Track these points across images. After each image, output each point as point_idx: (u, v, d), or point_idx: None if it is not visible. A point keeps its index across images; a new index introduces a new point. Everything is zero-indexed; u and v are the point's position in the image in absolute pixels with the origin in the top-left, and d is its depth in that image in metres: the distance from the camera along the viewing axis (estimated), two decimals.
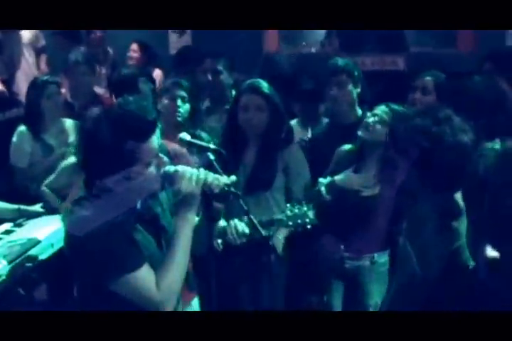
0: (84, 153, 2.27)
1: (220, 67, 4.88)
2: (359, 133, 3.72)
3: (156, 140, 2.29)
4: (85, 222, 2.16)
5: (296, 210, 3.31)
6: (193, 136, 3.41)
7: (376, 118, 3.65)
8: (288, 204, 3.38)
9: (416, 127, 2.31)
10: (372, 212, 3.63)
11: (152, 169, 2.29)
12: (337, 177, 3.70)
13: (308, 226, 3.30)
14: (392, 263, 3.71)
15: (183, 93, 3.99)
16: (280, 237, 3.47)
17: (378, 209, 3.61)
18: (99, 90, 5.69)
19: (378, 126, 3.62)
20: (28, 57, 6.63)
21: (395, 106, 3.70)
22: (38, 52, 6.74)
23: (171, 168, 2.41)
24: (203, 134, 4.02)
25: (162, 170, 2.35)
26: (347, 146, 3.89)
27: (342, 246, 3.76)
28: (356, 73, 4.21)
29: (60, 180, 4.42)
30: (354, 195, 3.67)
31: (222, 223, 3.48)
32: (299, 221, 3.30)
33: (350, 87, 4.18)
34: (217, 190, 2.44)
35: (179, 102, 3.99)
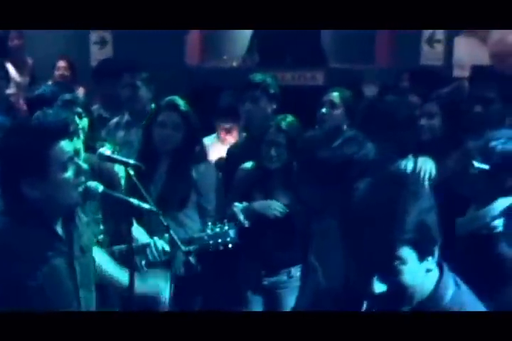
0: None
1: (138, 82, 4.84)
2: (265, 164, 3.78)
3: (68, 144, 2.24)
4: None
5: (217, 229, 3.29)
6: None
7: (275, 148, 3.72)
8: (209, 223, 3.36)
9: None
10: (288, 230, 3.73)
11: (69, 175, 2.24)
12: (255, 204, 3.74)
13: (230, 245, 3.28)
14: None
15: (79, 109, 3.95)
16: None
17: (293, 227, 3.71)
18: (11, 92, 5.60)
19: (279, 153, 3.71)
20: None
21: (286, 126, 3.77)
22: None
23: (93, 184, 2.42)
24: (108, 145, 3.99)
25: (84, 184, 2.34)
26: (248, 164, 3.92)
27: (258, 265, 3.81)
28: (272, 90, 4.25)
29: None
30: (273, 218, 3.73)
31: (141, 241, 3.38)
32: (220, 240, 3.28)
33: (265, 102, 4.22)
34: None
35: (76, 119, 3.95)
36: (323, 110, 4.32)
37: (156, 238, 3.25)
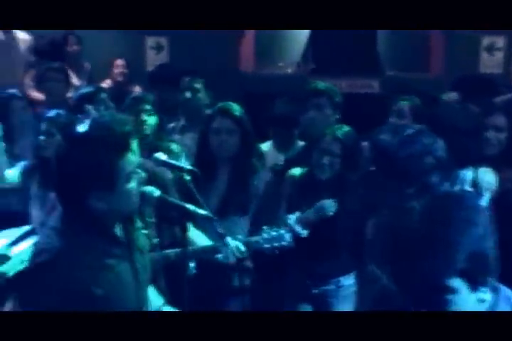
0: (61, 173, 2.21)
1: (198, 86, 4.89)
2: (316, 173, 3.72)
3: (133, 153, 2.22)
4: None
5: (273, 233, 3.28)
6: (167, 149, 3.38)
7: (328, 157, 3.67)
8: (264, 227, 3.33)
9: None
10: (338, 240, 3.68)
11: (133, 185, 2.24)
12: (309, 213, 3.68)
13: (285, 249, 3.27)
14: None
15: (148, 106, 3.97)
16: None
17: (343, 236, 3.66)
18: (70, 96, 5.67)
19: (332, 162, 3.65)
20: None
21: (341, 135, 3.71)
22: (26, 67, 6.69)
23: (149, 189, 2.41)
24: (174, 145, 4.01)
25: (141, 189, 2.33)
26: (297, 171, 3.87)
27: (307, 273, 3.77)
28: (337, 98, 4.20)
29: None
30: (330, 218, 3.69)
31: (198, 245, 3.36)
32: (276, 244, 3.27)
33: (329, 110, 4.17)
34: None
35: (144, 116, 3.97)
36: (391, 120, 4.25)
37: (229, 238, 3.21)
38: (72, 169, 2.14)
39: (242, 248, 3.22)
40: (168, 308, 2.68)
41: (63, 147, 2.20)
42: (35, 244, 2.28)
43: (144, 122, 3.94)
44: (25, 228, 4.24)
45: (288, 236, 3.29)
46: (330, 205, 3.62)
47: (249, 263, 3.59)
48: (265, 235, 3.29)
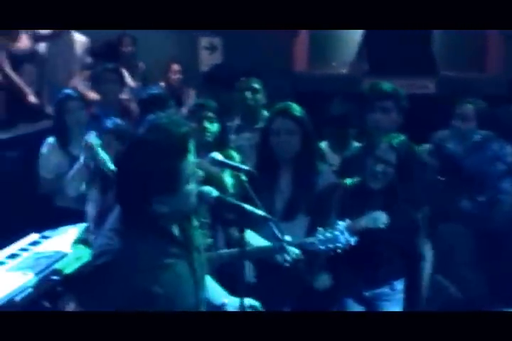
0: (123, 178, 2.23)
1: (257, 86, 4.90)
2: (369, 183, 3.67)
3: (191, 154, 2.24)
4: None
5: (328, 234, 3.27)
6: (226, 156, 3.39)
7: (382, 166, 3.62)
8: (319, 228, 3.32)
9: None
10: (393, 245, 3.65)
11: (193, 186, 2.25)
12: (361, 221, 3.62)
13: (339, 251, 3.26)
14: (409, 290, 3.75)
15: (210, 114, 3.97)
16: None
17: (399, 242, 3.64)
18: (125, 97, 5.73)
19: (386, 171, 3.60)
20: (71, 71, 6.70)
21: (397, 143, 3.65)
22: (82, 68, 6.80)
23: (207, 189, 2.43)
24: (234, 153, 4.01)
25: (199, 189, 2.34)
26: (349, 181, 3.82)
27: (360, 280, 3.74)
28: (403, 102, 4.11)
29: None
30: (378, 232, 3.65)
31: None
32: (331, 245, 3.26)
33: (395, 114, 4.07)
34: None
35: (206, 123, 3.97)
36: (455, 123, 4.16)
37: (286, 239, 3.21)
38: (134, 174, 2.15)
39: (297, 250, 3.23)
40: (228, 308, 2.69)
41: (125, 153, 2.22)
42: (95, 247, 2.30)
43: (205, 129, 3.94)
44: (82, 225, 4.31)
45: (342, 238, 3.27)
46: (381, 218, 3.58)
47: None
48: (320, 236, 3.28)
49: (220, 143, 3.96)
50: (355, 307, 3.82)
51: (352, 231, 3.45)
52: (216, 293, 2.71)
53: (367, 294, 3.79)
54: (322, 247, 3.26)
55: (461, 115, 4.20)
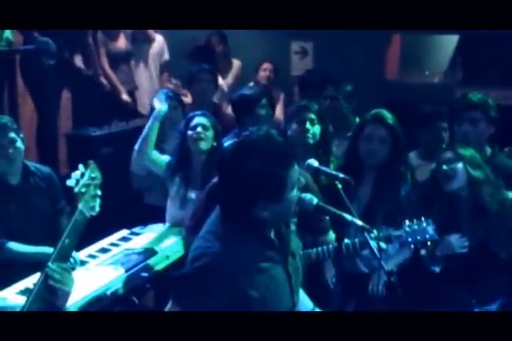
0: (230, 184, 2.24)
1: (349, 92, 4.88)
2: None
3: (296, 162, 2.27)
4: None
5: (415, 226, 3.23)
6: (325, 163, 3.38)
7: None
8: (406, 220, 3.28)
9: None
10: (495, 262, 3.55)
11: (295, 193, 2.27)
12: (437, 251, 3.53)
13: (429, 243, 3.24)
14: None
15: (312, 115, 3.94)
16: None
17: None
18: (217, 101, 5.79)
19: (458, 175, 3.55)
20: (153, 71, 6.83)
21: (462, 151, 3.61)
22: (161, 67, 6.94)
23: (309, 197, 2.44)
24: (332, 158, 3.99)
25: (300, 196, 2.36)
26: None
27: (473, 301, 3.61)
28: (493, 113, 3.97)
29: None
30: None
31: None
32: (419, 237, 3.22)
33: (484, 125, 3.96)
34: None
35: (308, 125, 3.96)
36: None
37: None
38: (242, 180, 2.17)
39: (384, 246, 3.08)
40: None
41: (233, 157, 2.23)
42: (193, 248, 2.32)
43: (307, 131, 3.94)
44: (167, 225, 4.38)
45: (431, 229, 3.23)
46: (458, 241, 3.50)
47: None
48: (407, 229, 3.25)
49: (322, 146, 3.94)
50: None
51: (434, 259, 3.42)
52: (305, 300, 2.71)
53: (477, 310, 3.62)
54: (410, 239, 3.24)
55: None
